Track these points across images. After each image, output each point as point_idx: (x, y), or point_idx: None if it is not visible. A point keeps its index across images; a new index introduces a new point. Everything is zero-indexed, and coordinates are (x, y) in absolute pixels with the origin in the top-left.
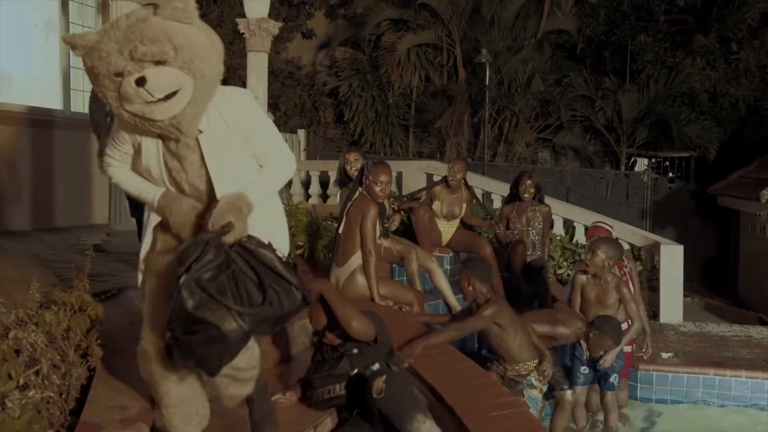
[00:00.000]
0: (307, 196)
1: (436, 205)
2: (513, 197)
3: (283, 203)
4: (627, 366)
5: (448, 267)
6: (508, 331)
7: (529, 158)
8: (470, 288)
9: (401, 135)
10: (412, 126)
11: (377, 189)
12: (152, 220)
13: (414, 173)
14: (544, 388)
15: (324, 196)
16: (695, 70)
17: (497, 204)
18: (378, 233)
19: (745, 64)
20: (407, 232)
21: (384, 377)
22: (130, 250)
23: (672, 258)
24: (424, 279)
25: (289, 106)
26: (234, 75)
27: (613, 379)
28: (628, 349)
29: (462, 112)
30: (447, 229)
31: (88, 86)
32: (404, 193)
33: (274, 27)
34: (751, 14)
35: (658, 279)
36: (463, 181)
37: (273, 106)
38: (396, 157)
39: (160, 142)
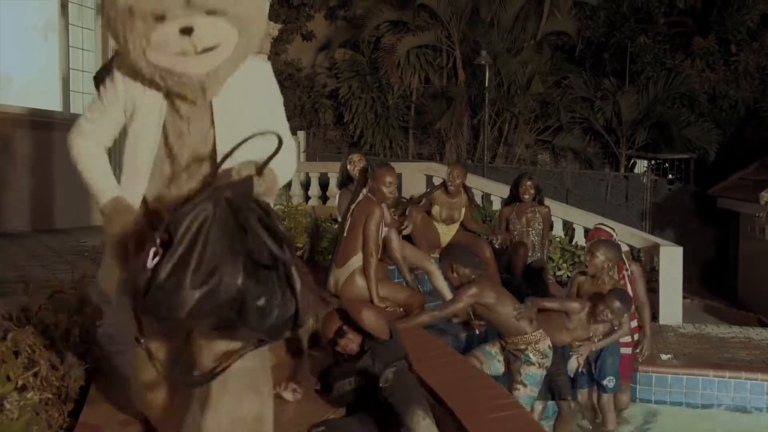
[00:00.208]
0: (307, 198)
1: (435, 210)
2: (513, 198)
3: (282, 205)
4: (629, 368)
5: None
6: (496, 308)
7: (528, 160)
8: (454, 275)
9: (401, 137)
10: (412, 128)
11: (386, 191)
12: None
13: (414, 175)
14: (545, 363)
15: (324, 198)
16: (695, 71)
17: (497, 206)
18: (382, 235)
19: (744, 66)
20: (405, 236)
21: (394, 369)
22: None
23: (671, 259)
24: (424, 280)
25: (288, 107)
26: None
27: (608, 381)
28: (628, 351)
29: (462, 114)
30: (446, 233)
31: (88, 88)
32: (404, 195)
33: (275, 29)
34: (750, 16)
35: (657, 281)
36: (462, 186)
37: None
38: (395, 158)
39: (165, 102)
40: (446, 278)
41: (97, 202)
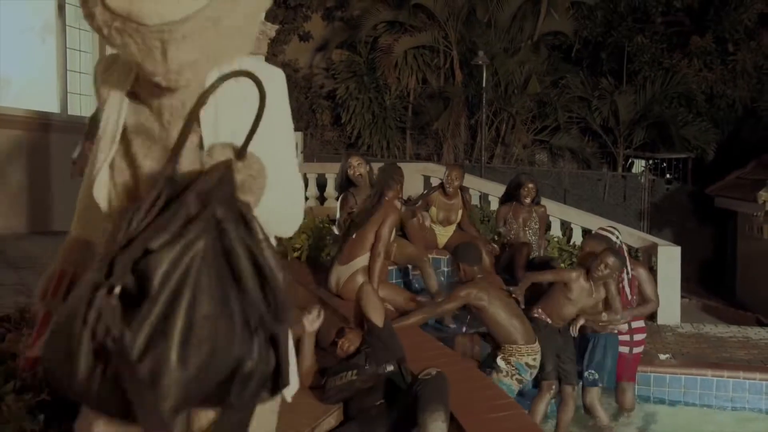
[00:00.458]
0: (305, 198)
1: (432, 212)
2: (508, 197)
3: None
4: (633, 368)
5: (446, 269)
6: (488, 311)
7: (526, 160)
8: (462, 274)
9: (398, 137)
10: (409, 128)
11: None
12: None
13: (411, 175)
14: (515, 375)
15: (321, 199)
16: (692, 71)
17: (495, 206)
18: (392, 238)
19: (741, 65)
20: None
21: (438, 370)
22: None
23: (669, 259)
24: (418, 279)
25: None
26: None
27: (588, 373)
28: (625, 350)
29: (459, 114)
30: (443, 233)
31: (86, 90)
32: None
33: (271, 30)
34: (748, 15)
35: (655, 280)
36: (459, 188)
37: None
38: (393, 159)
39: (125, 100)
40: (459, 279)
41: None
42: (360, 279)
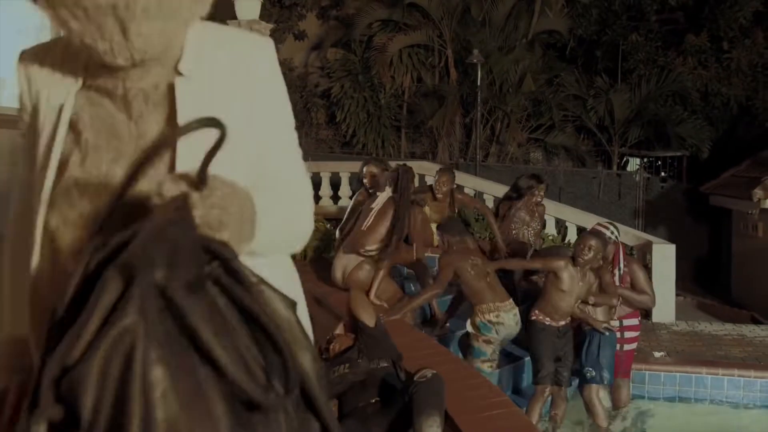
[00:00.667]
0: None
1: (426, 211)
2: (517, 195)
3: None
4: (628, 364)
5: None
6: (464, 275)
7: (521, 158)
8: (446, 246)
9: (393, 136)
10: (404, 127)
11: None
12: None
13: None
14: (485, 336)
15: (316, 197)
16: (687, 69)
17: (489, 204)
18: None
19: (736, 64)
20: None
21: (434, 372)
22: None
23: (664, 257)
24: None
25: None
26: None
27: (587, 371)
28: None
29: (454, 113)
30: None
31: None
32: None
33: (265, 29)
34: (743, 13)
35: (650, 278)
36: (450, 192)
37: None
38: (388, 157)
39: (73, 90)
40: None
41: None
42: (367, 267)
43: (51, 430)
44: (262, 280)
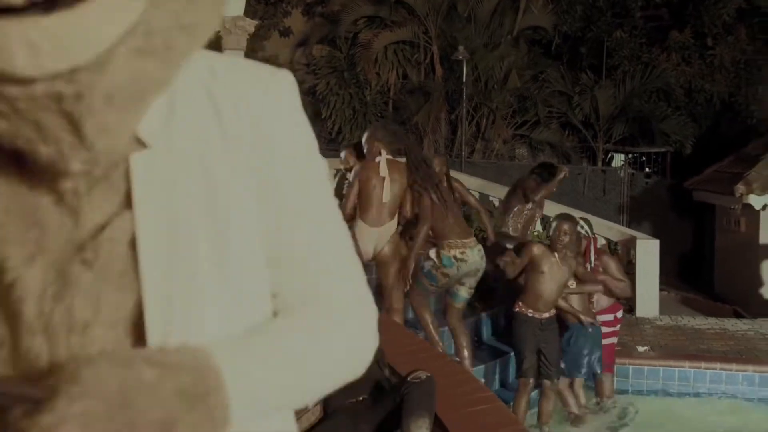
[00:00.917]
0: None
1: None
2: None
3: None
4: (611, 359)
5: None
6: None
7: (506, 155)
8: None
9: None
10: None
11: None
12: None
13: None
14: (445, 270)
15: None
16: (671, 65)
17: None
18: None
19: (720, 60)
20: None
21: (428, 374)
22: None
23: (647, 252)
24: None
25: None
26: None
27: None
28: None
29: (439, 109)
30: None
31: None
32: None
33: (250, 25)
34: (726, 10)
35: (634, 273)
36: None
37: None
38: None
39: None
40: None
41: None
42: (399, 240)
43: None
44: None
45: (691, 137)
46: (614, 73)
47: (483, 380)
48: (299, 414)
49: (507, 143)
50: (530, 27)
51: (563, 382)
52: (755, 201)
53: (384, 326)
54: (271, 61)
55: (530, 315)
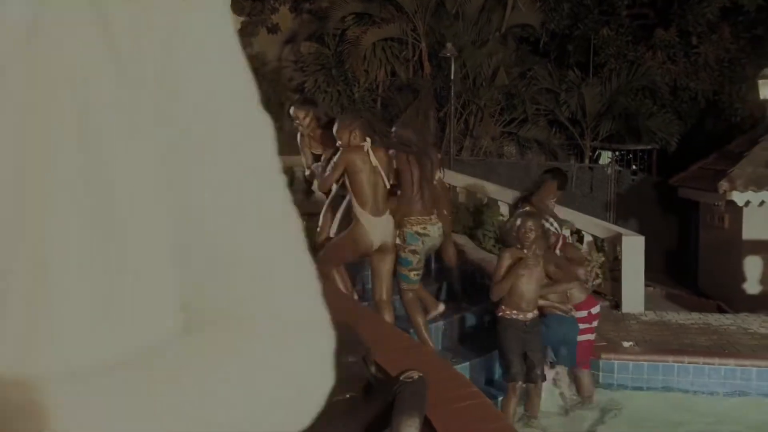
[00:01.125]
0: None
1: None
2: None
3: None
4: (587, 355)
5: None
6: (407, 177)
7: (495, 152)
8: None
9: None
10: (378, 120)
11: None
12: None
13: None
14: (412, 246)
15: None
16: (656, 63)
17: (462, 198)
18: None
19: (704, 59)
20: None
21: (420, 374)
22: None
23: (633, 249)
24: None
25: None
26: None
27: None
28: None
29: (428, 107)
30: None
31: None
32: None
33: (237, 22)
34: (710, 9)
35: (620, 270)
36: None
37: None
38: None
39: None
40: None
41: None
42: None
43: None
44: None
45: (677, 135)
46: (601, 70)
47: (468, 377)
48: None
49: (495, 140)
50: (518, 24)
51: (562, 370)
52: (738, 198)
53: (370, 323)
54: (259, 58)
55: (514, 317)
